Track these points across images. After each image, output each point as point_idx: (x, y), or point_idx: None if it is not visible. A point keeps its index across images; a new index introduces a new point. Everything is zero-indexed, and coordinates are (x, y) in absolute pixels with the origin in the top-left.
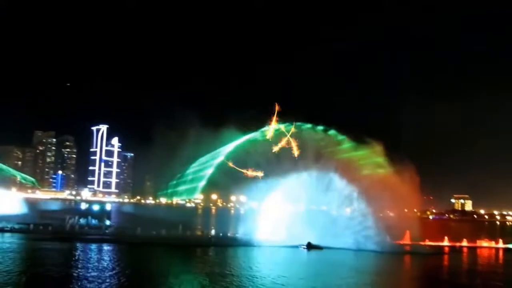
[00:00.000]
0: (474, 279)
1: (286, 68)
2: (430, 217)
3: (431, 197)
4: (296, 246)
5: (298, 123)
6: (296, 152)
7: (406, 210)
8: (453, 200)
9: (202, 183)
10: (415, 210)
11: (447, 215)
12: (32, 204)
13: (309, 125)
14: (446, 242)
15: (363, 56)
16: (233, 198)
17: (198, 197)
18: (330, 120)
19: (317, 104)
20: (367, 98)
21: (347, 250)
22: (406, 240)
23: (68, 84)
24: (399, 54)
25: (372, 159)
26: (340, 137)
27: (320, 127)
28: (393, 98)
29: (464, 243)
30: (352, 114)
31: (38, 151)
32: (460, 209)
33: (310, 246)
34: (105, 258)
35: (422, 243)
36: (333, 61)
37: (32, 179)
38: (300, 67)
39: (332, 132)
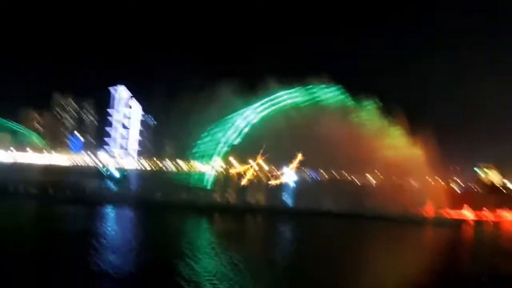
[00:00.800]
0: (496, 250)
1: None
2: (454, 186)
3: (457, 167)
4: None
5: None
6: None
7: (428, 179)
8: (478, 170)
9: (222, 147)
10: (438, 179)
11: (472, 185)
12: (50, 167)
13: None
14: (469, 213)
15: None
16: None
17: (219, 162)
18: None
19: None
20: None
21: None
22: (427, 210)
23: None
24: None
25: (392, 127)
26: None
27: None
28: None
29: (488, 214)
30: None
31: (56, 113)
32: (486, 179)
33: (330, 214)
34: (124, 221)
35: (444, 213)
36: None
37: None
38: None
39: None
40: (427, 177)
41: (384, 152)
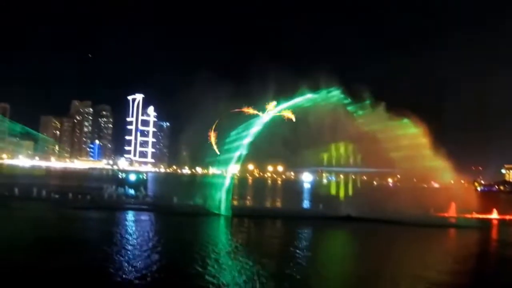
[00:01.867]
0: None
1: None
2: (478, 188)
3: (480, 168)
4: (335, 218)
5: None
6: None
7: (452, 181)
8: (504, 171)
9: (239, 152)
10: (462, 181)
11: (496, 186)
12: (70, 173)
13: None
14: (495, 215)
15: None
16: (270, 168)
17: (235, 167)
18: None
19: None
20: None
21: (386, 222)
22: (452, 213)
23: (90, 55)
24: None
25: (412, 128)
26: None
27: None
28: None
29: None
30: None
31: (75, 120)
32: (511, 180)
33: (350, 218)
34: (143, 226)
35: (468, 215)
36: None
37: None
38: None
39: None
40: (450, 179)
41: (403, 154)
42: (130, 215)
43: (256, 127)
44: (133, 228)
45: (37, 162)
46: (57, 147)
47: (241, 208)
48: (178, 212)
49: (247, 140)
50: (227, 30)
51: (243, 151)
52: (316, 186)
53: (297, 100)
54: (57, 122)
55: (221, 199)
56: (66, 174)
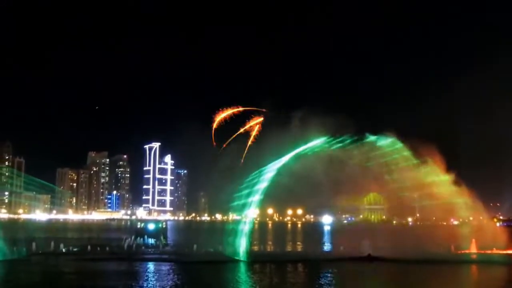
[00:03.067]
0: None
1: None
2: (498, 224)
3: (498, 204)
4: (356, 259)
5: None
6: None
7: (471, 218)
8: None
9: (257, 197)
10: (481, 217)
11: None
12: (87, 225)
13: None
14: None
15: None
16: (289, 211)
17: (254, 212)
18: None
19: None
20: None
21: (407, 261)
22: (472, 249)
23: (97, 108)
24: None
25: (430, 166)
26: (398, 145)
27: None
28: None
29: None
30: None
31: (92, 172)
32: None
33: (371, 258)
34: (163, 278)
35: (489, 251)
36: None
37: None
38: None
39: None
40: (469, 216)
41: (422, 192)
42: (150, 266)
43: (270, 172)
44: (154, 281)
45: (54, 216)
46: (74, 199)
47: (262, 253)
48: (198, 261)
49: (263, 185)
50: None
51: (259, 196)
52: (336, 228)
53: (313, 144)
54: (73, 174)
55: (241, 245)
56: (84, 226)
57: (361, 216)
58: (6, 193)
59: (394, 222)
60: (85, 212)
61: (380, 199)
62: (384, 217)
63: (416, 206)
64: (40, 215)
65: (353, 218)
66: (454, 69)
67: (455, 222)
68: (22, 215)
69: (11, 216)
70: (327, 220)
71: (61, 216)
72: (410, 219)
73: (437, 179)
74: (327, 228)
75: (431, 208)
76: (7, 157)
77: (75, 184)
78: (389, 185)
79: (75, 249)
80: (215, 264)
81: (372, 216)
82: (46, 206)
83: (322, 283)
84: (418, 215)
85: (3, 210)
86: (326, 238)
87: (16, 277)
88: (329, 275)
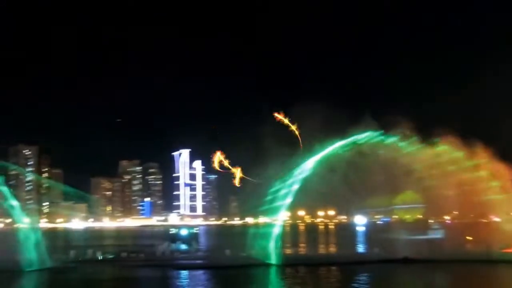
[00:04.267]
0: None
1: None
2: None
3: None
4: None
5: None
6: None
7: None
8: None
9: (289, 199)
10: None
11: None
12: (122, 232)
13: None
14: None
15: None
16: (321, 213)
17: (285, 215)
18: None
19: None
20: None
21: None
22: None
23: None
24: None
25: (472, 161)
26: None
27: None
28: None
29: None
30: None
31: (125, 180)
32: None
33: (407, 260)
34: (197, 282)
35: None
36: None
37: None
38: None
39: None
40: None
41: (461, 188)
42: (183, 272)
43: (302, 174)
44: (187, 287)
45: (91, 224)
46: (108, 208)
47: (294, 256)
48: (231, 265)
49: (294, 187)
50: (269, 80)
51: (290, 198)
52: (370, 228)
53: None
54: (107, 183)
55: (272, 249)
56: (119, 234)
57: (395, 216)
58: (46, 203)
59: (431, 221)
60: (120, 220)
61: (416, 198)
62: (420, 216)
63: (454, 203)
64: (77, 224)
65: (388, 219)
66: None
67: (497, 219)
68: (61, 224)
69: (51, 225)
70: (360, 220)
71: (97, 224)
72: (447, 217)
73: (478, 175)
74: (360, 229)
75: (470, 205)
76: (46, 169)
77: (109, 193)
78: (426, 182)
79: (111, 256)
80: (247, 268)
81: (407, 216)
82: (83, 215)
83: (356, 287)
84: (455, 212)
85: (44, 220)
86: (360, 239)
87: (57, 285)
88: (362, 278)
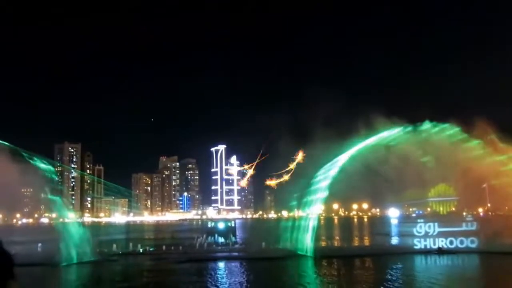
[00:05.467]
0: None
1: None
2: None
3: None
4: (426, 252)
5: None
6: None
7: None
8: None
9: (323, 193)
10: None
11: None
12: (162, 225)
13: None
14: None
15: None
16: (355, 206)
17: (320, 208)
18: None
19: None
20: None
21: (475, 253)
22: None
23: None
24: None
25: (496, 155)
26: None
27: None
28: None
29: None
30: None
31: (164, 175)
32: None
33: (441, 251)
34: (234, 274)
35: None
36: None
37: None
38: None
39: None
40: None
41: (493, 182)
42: (221, 264)
43: (335, 168)
44: (225, 278)
45: (132, 218)
46: (148, 202)
47: (329, 248)
48: (266, 257)
49: (327, 182)
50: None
51: (325, 192)
52: (404, 221)
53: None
54: (147, 178)
55: (307, 241)
56: (159, 227)
57: (428, 209)
58: (89, 198)
59: (464, 213)
60: (159, 214)
61: (450, 190)
62: (453, 208)
63: (487, 196)
64: (119, 218)
65: (421, 212)
66: None
67: None
68: (104, 218)
69: (94, 219)
70: (394, 213)
71: (138, 218)
72: (481, 210)
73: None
74: (394, 222)
75: (505, 197)
76: (88, 166)
77: (149, 188)
78: (459, 174)
79: (151, 249)
80: (283, 260)
81: (441, 208)
82: (124, 209)
83: (388, 277)
84: (489, 205)
85: (87, 214)
86: (394, 231)
87: (100, 275)
88: (395, 269)
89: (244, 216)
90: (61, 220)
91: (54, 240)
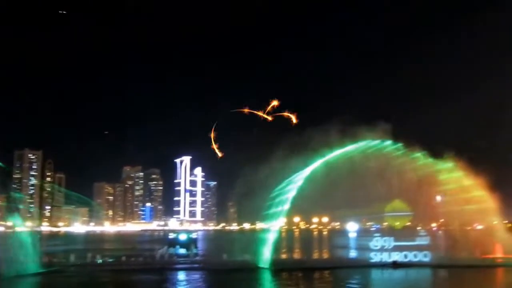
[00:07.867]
0: None
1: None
2: None
3: None
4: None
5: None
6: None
7: (495, 222)
8: None
9: (285, 206)
10: (505, 221)
11: None
12: (122, 236)
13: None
14: None
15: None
16: (315, 219)
17: (282, 221)
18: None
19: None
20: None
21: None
22: (497, 253)
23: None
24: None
25: (453, 173)
26: (417, 154)
27: (389, 143)
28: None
29: None
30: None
31: (127, 185)
32: None
33: (396, 265)
34: (194, 285)
35: None
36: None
37: None
38: None
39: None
40: (493, 221)
41: (445, 198)
42: (181, 275)
43: (298, 182)
44: None
45: (92, 228)
46: (110, 212)
47: (289, 261)
48: (227, 269)
49: (291, 194)
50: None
51: (287, 205)
52: (361, 235)
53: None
54: (109, 188)
55: (267, 254)
56: (119, 238)
57: (385, 223)
58: (48, 207)
59: (419, 228)
60: (121, 224)
61: (404, 206)
62: (409, 223)
63: (441, 211)
64: (79, 228)
65: (378, 226)
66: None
67: (479, 227)
68: (63, 227)
69: (52, 228)
70: (352, 227)
71: (98, 228)
72: (434, 225)
73: (465, 184)
74: (353, 235)
75: (456, 213)
76: (48, 174)
77: (111, 197)
78: (416, 191)
79: (110, 260)
80: (243, 272)
81: (397, 223)
82: (85, 219)
83: None
84: (442, 220)
85: (45, 223)
86: (353, 244)
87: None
88: (352, 281)
89: (206, 227)
90: (15, 229)
91: (7, 250)
